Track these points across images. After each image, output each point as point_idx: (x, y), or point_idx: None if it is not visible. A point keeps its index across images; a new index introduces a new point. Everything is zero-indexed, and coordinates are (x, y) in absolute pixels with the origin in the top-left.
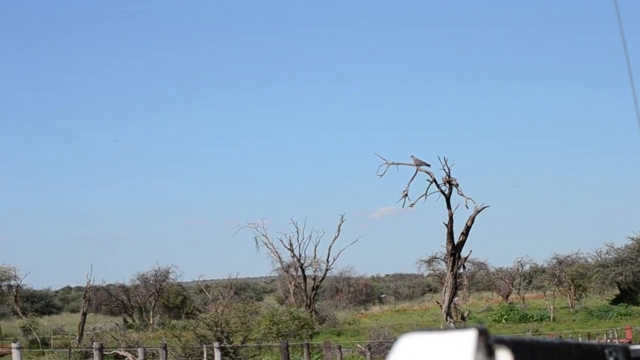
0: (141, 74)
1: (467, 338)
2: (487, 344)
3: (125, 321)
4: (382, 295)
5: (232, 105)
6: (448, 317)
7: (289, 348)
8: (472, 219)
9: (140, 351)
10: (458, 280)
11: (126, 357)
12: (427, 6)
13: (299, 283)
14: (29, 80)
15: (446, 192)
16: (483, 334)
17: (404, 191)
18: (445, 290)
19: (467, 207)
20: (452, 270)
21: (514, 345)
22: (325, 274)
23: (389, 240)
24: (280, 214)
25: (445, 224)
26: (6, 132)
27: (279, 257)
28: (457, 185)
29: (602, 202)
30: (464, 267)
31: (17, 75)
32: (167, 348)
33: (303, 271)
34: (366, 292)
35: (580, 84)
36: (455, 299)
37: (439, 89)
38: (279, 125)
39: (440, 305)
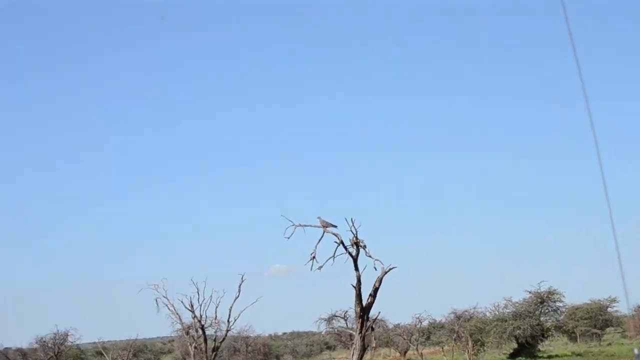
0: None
1: None
2: None
3: None
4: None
5: (131, 166)
6: None
7: None
8: (380, 281)
9: None
10: (366, 342)
11: None
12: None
13: (199, 344)
14: None
15: (354, 254)
16: None
17: (311, 253)
18: (353, 353)
19: (375, 269)
20: (360, 332)
21: None
22: (226, 334)
23: (286, 299)
24: (181, 275)
25: (354, 286)
26: None
27: (180, 318)
28: (364, 247)
29: (499, 258)
30: (373, 329)
31: None
32: None
33: (204, 332)
34: (264, 352)
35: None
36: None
37: (345, 152)
38: (177, 186)
39: None
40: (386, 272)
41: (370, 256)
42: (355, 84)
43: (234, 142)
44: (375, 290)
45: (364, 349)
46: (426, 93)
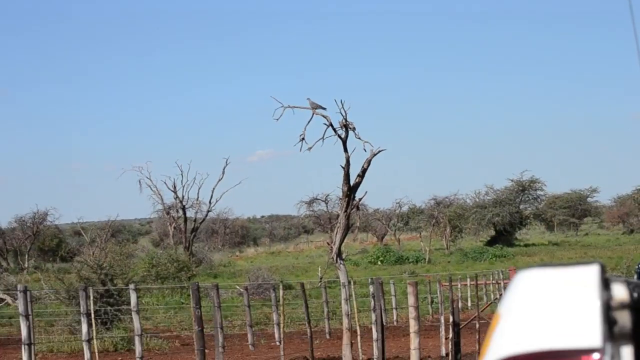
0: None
1: (590, 272)
2: (604, 278)
3: None
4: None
5: (116, 46)
6: (338, 259)
7: (169, 290)
8: (369, 162)
9: (24, 295)
10: (350, 222)
11: (5, 299)
12: None
13: (178, 225)
14: None
15: (343, 136)
16: (602, 268)
17: (300, 135)
18: (337, 231)
19: (365, 150)
20: (345, 211)
21: (624, 280)
22: (207, 215)
23: (267, 183)
24: (166, 158)
25: (342, 167)
26: None
27: (162, 198)
28: (354, 129)
29: (483, 145)
30: (358, 208)
31: None
32: (51, 291)
33: (184, 212)
34: (242, 234)
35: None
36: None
37: (329, 31)
38: (162, 69)
39: (331, 246)
40: (375, 154)
41: (359, 138)
42: None
43: (223, 16)
44: (364, 171)
45: (348, 228)
46: None
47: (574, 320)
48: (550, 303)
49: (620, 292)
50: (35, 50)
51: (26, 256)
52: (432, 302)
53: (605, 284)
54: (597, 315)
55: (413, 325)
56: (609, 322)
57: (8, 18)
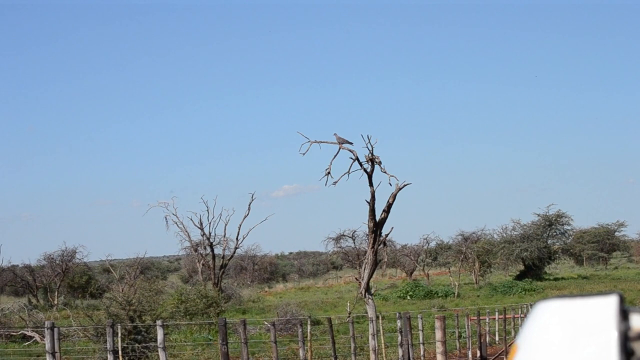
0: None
1: (609, 303)
2: (623, 308)
3: (29, 302)
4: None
5: (138, 82)
6: (367, 294)
7: (198, 327)
8: (394, 197)
9: (52, 332)
10: (378, 257)
11: (34, 337)
12: None
13: (206, 262)
14: None
15: (368, 170)
16: (621, 298)
17: (326, 169)
18: (365, 267)
19: (390, 184)
20: (372, 247)
21: None
22: (235, 252)
23: (293, 218)
24: (191, 193)
25: (367, 202)
26: None
27: (189, 235)
28: (379, 163)
29: (508, 179)
30: (385, 244)
31: None
32: (79, 328)
33: (212, 249)
34: (270, 270)
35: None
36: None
37: (356, 66)
38: (187, 103)
39: (360, 282)
40: (400, 189)
41: (385, 172)
42: None
43: (249, 57)
44: (389, 206)
45: (375, 264)
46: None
47: (592, 351)
48: (568, 334)
49: (638, 322)
50: (60, 88)
51: (56, 293)
52: (459, 336)
53: (624, 314)
54: (614, 345)
55: None
56: (627, 352)
57: (39, 64)
